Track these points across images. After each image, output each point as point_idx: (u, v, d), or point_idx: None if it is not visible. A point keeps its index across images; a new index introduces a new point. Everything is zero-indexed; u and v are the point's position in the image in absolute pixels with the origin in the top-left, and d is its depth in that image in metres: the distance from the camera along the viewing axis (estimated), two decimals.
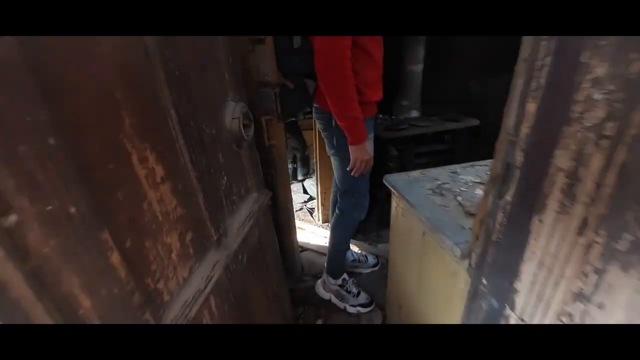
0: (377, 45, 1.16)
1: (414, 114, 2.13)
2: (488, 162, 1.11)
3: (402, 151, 1.94)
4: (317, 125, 1.37)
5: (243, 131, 0.86)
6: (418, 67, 2.00)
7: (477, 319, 0.63)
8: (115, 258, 0.45)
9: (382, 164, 1.90)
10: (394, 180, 1.03)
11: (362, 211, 1.42)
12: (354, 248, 1.88)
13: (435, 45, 2.02)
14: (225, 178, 0.82)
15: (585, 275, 0.40)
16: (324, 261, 1.67)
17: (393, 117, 2.13)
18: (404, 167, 2.01)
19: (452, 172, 1.06)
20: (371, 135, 1.25)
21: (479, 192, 0.93)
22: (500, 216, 0.54)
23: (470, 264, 0.64)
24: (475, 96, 2.26)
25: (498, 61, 2.14)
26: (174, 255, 0.60)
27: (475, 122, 2.01)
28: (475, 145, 2.25)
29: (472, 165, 1.10)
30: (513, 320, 0.54)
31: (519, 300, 0.52)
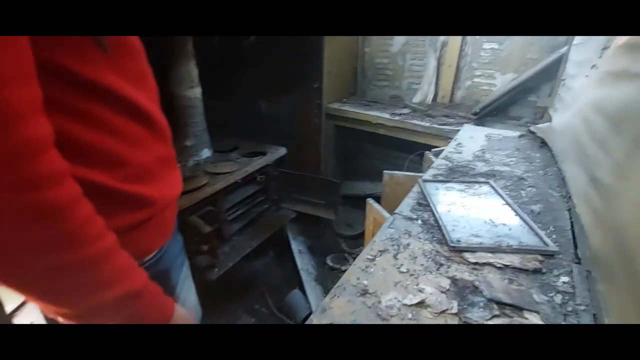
0: (136, 74, 0.43)
1: (206, 154, 1.54)
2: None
3: (212, 215, 1.32)
4: None
5: None
6: (196, 92, 1.40)
7: None
8: None
9: (190, 255, 1.21)
10: None
11: None
12: None
13: (207, 60, 1.48)
14: None
15: None
16: None
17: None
18: (219, 236, 1.41)
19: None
20: (186, 268, 0.60)
21: None
22: None
23: None
24: (267, 118, 1.94)
25: (288, 77, 1.87)
26: None
27: (282, 150, 1.68)
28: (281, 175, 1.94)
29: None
30: None
31: None
